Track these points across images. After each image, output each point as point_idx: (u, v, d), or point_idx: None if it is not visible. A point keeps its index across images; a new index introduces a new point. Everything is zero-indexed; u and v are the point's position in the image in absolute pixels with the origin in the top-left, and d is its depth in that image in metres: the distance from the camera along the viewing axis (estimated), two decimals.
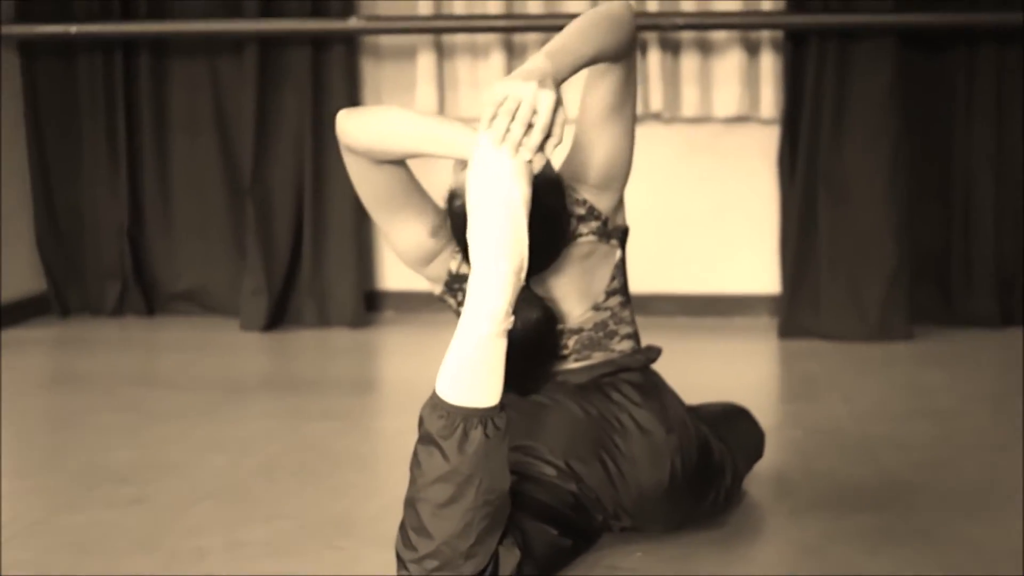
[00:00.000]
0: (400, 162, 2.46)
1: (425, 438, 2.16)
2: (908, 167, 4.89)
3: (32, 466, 3.26)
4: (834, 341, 4.86)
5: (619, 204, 2.60)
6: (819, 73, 4.90)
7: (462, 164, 2.37)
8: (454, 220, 2.44)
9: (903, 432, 3.47)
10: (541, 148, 2.12)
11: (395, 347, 5.11)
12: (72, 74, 5.56)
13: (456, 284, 2.57)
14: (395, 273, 5.49)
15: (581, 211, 2.52)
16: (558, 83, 2.16)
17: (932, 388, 4.08)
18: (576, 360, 2.56)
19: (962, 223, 5.05)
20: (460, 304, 2.58)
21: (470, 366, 2.13)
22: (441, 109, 5.32)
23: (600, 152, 2.52)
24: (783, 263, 5.09)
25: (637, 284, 5.05)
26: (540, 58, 2.17)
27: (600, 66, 2.40)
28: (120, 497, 2.97)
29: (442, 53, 5.34)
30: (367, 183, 2.49)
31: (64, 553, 2.58)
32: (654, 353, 2.64)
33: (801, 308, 4.99)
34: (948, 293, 5.11)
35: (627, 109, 2.51)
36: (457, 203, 2.40)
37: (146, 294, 5.60)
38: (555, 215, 2.43)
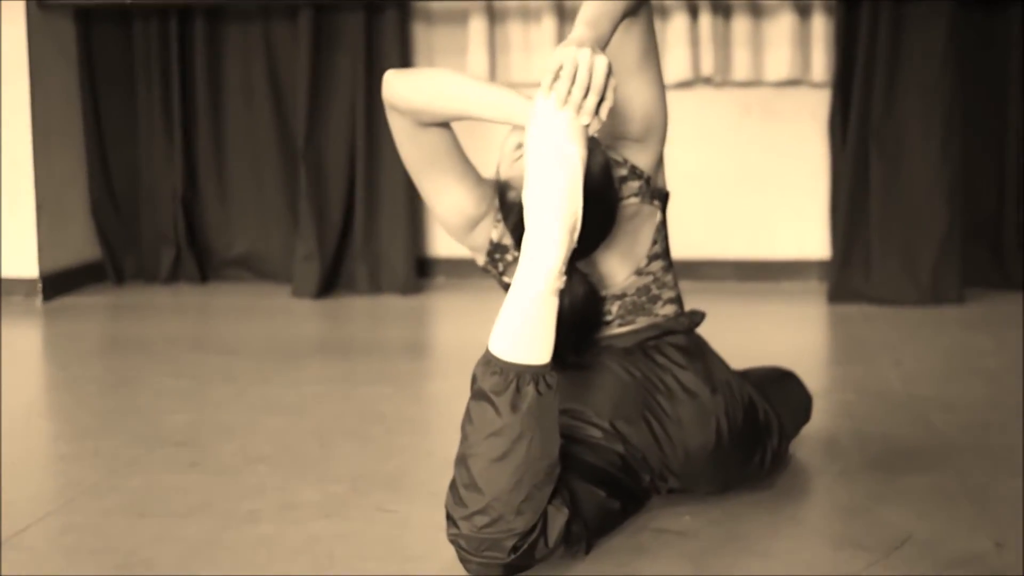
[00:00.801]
0: (445, 125, 2.49)
1: (478, 394, 2.19)
2: (961, 129, 4.86)
3: (89, 430, 3.30)
4: (884, 305, 4.85)
5: (659, 163, 2.62)
6: (872, 35, 4.88)
7: (517, 138, 2.42)
8: (508, 210, 2.47)
9: (953, 394, 3.47)
10: (596, 111, 2.17)
11: (446, 312, 5.14)
12: (127, 41, 5.61)
13: (497, 254, 2.59)
14: (446, 239, 5.50)
15: (623, 172, 2.54)
16: (603, 48, 2.24)
17: (982, 351, 4.07)
18: (620, 325, 2.58)
19: (1016, 186, 5.02)
20: (502, 274, 2.61)
21: (525, 323, 2.16)
22: (492, 73, 5.32)
23: (638, 101, 2.55)
24: (834, 227, 5.08)
25: (688, 248, 5.10)
26: (582, 28, 2.24)
27: (624, 21, 2.45)
28: (176, 460, 3.01)
29: (494, 17, 5.35)
30: (412, 144, 2.52)
31: (121, 516, 2.62)
32: (698, 317, 2.66)
33: (851, 272, 4.98)
34: (1000, 256, 5.08)
35: (654, 55, 2.58)
36: (512, 194, 2.44)
37: (199, 260, 5.65)
38: (606, 201, 2.45)
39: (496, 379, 2.17)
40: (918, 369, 3.80)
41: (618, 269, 2.57)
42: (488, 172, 2.62)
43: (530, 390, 2.16)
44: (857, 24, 4.92)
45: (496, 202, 2.55)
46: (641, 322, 2.59)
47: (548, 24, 5.23)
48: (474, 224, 2.59)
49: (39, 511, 2.64)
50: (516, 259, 2.50)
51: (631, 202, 2.54)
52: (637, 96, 2.55)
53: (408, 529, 2.52)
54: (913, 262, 4.88)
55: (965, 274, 4.91)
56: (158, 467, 2.96)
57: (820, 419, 3.12)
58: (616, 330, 2.58)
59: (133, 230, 5.70)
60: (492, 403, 2.16)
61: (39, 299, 5.20)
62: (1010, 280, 5.04)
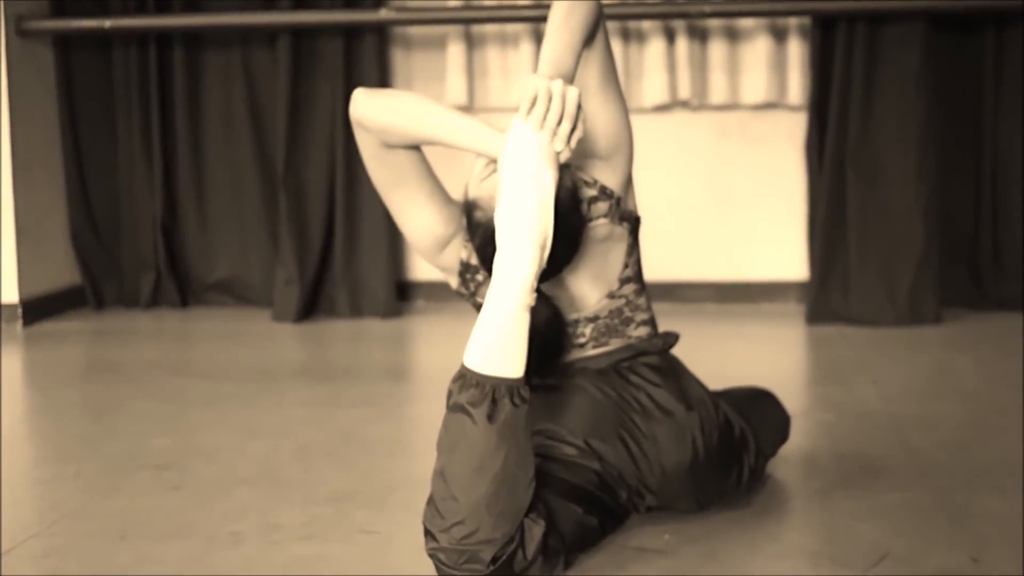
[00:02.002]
0: (415, 147, 2.53)
1: (455, 407, 2.22)
2: (937, 151, 4.90)
3: (71, 454, 3.31)
4: (862, 326, 4.88)
5: (628, 184, 2.65)
6: (847, 58, 4.92)
7: (488, 167, 2.46)
8: (474, 230, 2.50)
9: (931, 413, 3.49)
10: (568, 140, 2.27)
11: (427, 336, 5.15)
12: (106, 68, 5.62)
13: (468, 274, 2.63)
14: (426, 263, 5.52)
15: (593, 192, 2.57)
16: (570, 81, 2.37)
17: (960, 370, 4.10)
18: (594, 347, 2.61)
19: (991, 206, 5.06)
20: (473, 295, 2.65)
21: (499, 337, 2.20)
22: (471, 99, 5.35)
23: (602, 119, 2.59)
24: (811, 248, 5.11)
25: (667, 270, 5.12)
26: (547, 67, 2.36)
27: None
28: (158, 483, 3.01)
29: (472, 43, 5.38)
30: (379, 163, 2.57)
31: (103, 538, 2.63)
32: (672, 338, 2.69)
33: (829, 293, 5.01)
34: (977, 276, 5.12)
35: (613, 75, 2.63)
36: (478, 214, 2.47)
37: (180, 286, 5.66)
38: (573, 223, 2.48)
39: (472, 391, 2.20)
40: (896, 388, 3.82)
41: (590, 291, 2.60)
42: (456, 194, 2.65)
43: (506, 402, 2.19)
44: (832, 47, 4.96)
45: (465, 222, 2.58)
46: (615, 344, 2.62)
47: (526, 49, 5.26)
48: (444, 244, 2.63)
49: (21, 535, 2.65)
50: (487, 279, 2.52)
51: (600, 223, 2.57)
52: (600, 114, 2.59)
53: (390, 550, 2.53)
54: (890, 283, 4.91)
55: (943, 294, 4.94)
56: (140, 490, 2.97)
57: (798, 438, 3.14)
58: (590, 352, 2.61)
59: (113, 256, 5.71)
60: (469, 415, 2.19)
61: (19, 324, 5.20)
62: (987, 300, 5.08)
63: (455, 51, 5.33)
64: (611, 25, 5.01)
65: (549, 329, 2.48)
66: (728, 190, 5.38)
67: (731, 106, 5.31)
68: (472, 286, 2.64)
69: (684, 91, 5.21)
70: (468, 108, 5.28)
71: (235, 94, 5.54)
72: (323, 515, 2.74)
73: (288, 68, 5.29)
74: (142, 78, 5.53)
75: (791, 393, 3.41)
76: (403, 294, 5.56)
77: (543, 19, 5.19)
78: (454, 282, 2.69)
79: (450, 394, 2.24)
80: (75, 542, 2.61)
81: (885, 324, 4.87)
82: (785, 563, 2.42)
